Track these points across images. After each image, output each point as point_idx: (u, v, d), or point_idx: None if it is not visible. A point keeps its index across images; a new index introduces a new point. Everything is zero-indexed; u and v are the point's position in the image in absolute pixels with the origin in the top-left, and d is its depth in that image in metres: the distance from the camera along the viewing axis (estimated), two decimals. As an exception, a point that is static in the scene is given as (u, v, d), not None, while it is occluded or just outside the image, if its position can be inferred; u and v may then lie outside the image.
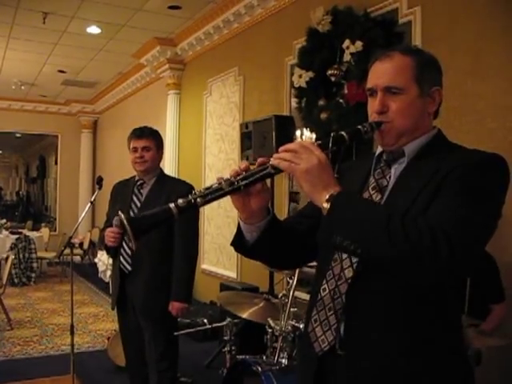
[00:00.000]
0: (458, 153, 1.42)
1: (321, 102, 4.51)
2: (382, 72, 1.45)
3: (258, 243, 1.48)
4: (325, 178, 1.28)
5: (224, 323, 3.19)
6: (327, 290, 1.47)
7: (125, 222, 1.25)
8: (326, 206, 1.27)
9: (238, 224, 1.50)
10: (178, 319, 3.32)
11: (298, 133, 4.59)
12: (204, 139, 7.34)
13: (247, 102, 6.32)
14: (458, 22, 3.71)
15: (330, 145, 1.35)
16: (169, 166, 7.88)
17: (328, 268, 1.48)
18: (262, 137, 4.89)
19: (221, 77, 6.90)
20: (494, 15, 3.49)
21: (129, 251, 3.21)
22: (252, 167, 1.38)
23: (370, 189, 1.49)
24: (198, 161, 7.43)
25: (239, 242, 1.51)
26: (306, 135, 4.59)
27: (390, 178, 1.47)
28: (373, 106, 1.47)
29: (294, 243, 1.56)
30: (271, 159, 1.31)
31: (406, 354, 1.36)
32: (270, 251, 1.54)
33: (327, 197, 1.27)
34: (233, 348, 3.13)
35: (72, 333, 3.76)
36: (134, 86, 10.09)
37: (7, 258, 6.92)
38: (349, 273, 1.42)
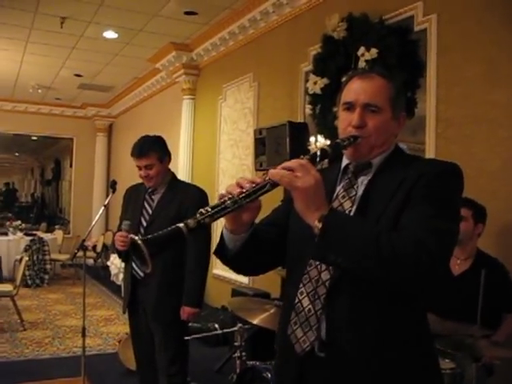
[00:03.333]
0: (419, 162, 1.57)
1: (335, 109, 4.50)
2: (362, 89, 1.55)
3: (240, 252, 1.56)
4: (318, 198, 1.37)
5: (235, 329, 3.19)
6: (305, 293, 1.54)
7: (140, 243, 1.31)
8: (318, 224, 1.35)
9: (221, 233, 1.57)
10: (189, 324, 3.33)
11: (312, 139, 4.60)
12: (218, 144, 7.37)
13: (261, 107, 6.34)
14: (472, 30, 3.70)
15: (318, 159, 1.44)
16: (183, 171, 7.91)
17: (303, 272, 1.55)
18: (275, 143, 4.88)
19: (236, 82, 6.93)
20: (509, 24, 3.48)
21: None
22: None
23: (339, 198, 1.58)
24: (211, 166, 7.46)
25: (221, 251, 1.59)
26: (320, 142, 4.58)
27: (357, 187, 1.57)
28: (348, 119, 1.56)
29: (263, 251, 1.65)
30: (270, 175, 1.38)
31: (382, 352, 1.44)
32: (249, 260, 1.62)
33: (319, 217, 1.35)
34: (243, 354, 3.12)
35: (84, 335, 3.79)
36: (149, 90, 10.16)
37: (21, 260, 6.99)
38: (325, 275, 1.50)
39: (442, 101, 3.88)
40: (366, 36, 4.25)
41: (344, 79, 1.65)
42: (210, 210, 1.37)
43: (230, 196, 1.38)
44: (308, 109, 5.07)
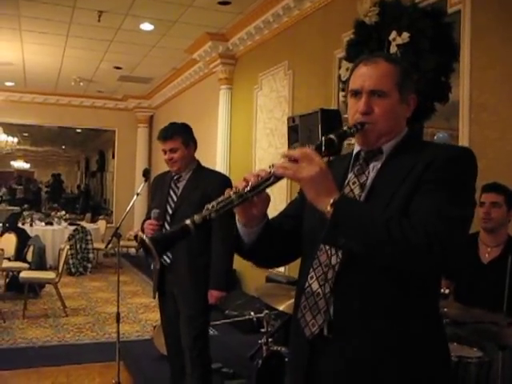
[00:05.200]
0: (431, 148, 1.54)
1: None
2: (368, 75, 1.55)
3: (256, 245, 1.60)
4: (327, 184, 1.38)
5: (261, 315, 3.21)
6: (314, 278, 1.55)
7: (147, 241, 1.35)
8: (330, 210, 1.36)
9: (236, 228, 1.60)
10: (226, 312, 3.36)
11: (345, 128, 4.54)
12: (254, 133, 7.38)
13: (296, 95, 6.31)
14: (508, 10, 3.58)
15: (323, 148, 1.44)
16: (220, 160, 7.97)
17: (314, 257, 1.57)
18: (308, 130, 4.86)
19: (271, 71, 6.92)
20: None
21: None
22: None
23: (350, 184, 1.58)
24: (248, 155, 7.48)
25: (238, 245, 1.62)
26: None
27: (368, 173, 1.57)
28: (356, 106, 1.56)
29: (282, 243, 1.67)
30: (274, 169, 1.39)
31: (387, 337, 1.44)
32: (265, 251, 1.64)
33: (330, 202, 1.36)
34: (269, 339, 3.14)
35: (118, 321, 3.88)
36: (187, 81, 10.24)
37: (64, 248, 7.20)
38: (335, 260, 1.51)
39: (477, 85, 3.78)
40: (398, 20, 4.15)
41: (352, 65, 1.64)
42: (215, 205, 1.40)
43: (235, 190, 1.41)
44: (341, 96, 5.01)
